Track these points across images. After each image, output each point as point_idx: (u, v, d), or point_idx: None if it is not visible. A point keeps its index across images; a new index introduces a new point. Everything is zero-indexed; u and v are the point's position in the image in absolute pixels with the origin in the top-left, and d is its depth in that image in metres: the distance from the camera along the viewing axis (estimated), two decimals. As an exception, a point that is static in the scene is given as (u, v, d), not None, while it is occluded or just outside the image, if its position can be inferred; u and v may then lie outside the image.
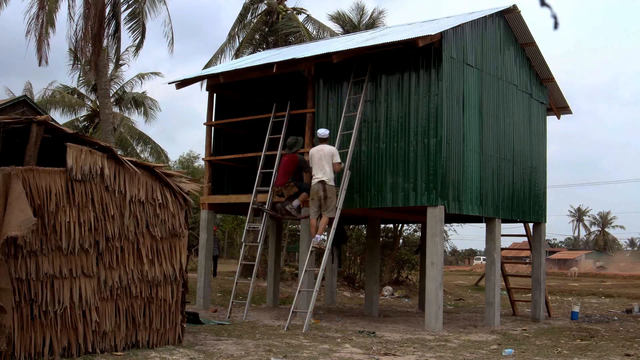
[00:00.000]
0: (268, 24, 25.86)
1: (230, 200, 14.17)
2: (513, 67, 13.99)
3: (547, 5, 2.81)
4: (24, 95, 23.30)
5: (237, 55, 24.64)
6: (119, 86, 33.18)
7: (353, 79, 12.64)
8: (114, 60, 25.52)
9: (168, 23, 22.19)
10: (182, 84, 14.80)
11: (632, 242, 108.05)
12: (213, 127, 14.98)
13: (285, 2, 26.14)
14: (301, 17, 25.80)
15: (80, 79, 31.42)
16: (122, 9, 21.08)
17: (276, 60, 13.08)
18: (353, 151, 12.19)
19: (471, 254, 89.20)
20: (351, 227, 21.86)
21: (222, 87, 14.88)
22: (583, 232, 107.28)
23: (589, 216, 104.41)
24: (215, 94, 15.10)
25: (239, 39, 25.68)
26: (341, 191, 11.90)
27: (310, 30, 25.51)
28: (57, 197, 7.22)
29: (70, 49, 19.86)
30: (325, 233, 11.72)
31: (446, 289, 21.73)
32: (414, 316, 14.69)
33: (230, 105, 15.61)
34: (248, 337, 9.64)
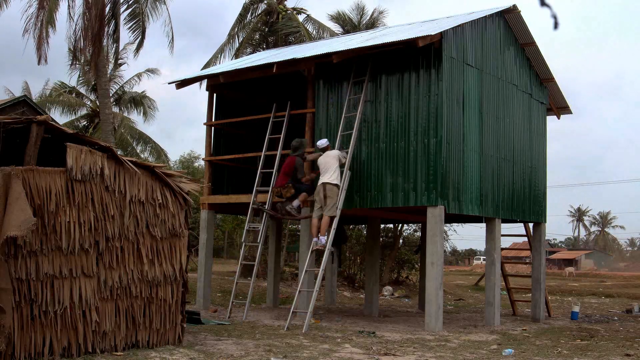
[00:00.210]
0: (268, 24, 25.85)
1: (230, 200, 14.17)
2: (513, 67, 13.99)
3: (547, 5, 2.81)
4: (24, 95, 23.29)
5: (237, 55, 24.63)
6: (119, 86, 33.18)
7: (353, 79, 12.64)
8: (113, 60, 25.52)
9: (168, 23, 22.21)
10: (182, 84, 14.81)
11: (632, 242, 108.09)
12: (213, 127, 14.98)
13: (285, 2, 26.13)
14: (301, 17, 25.79)
15: (80, 78, 31.42)
16: (122, 9, 21.10)
17: (276, 60, 13.08)
18: (353, 151, 12.20)
19: (471, 254, 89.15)
20: (351, 227, 21.86)
21: (222, 87, 14.88)
22: (583, 232, 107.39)
23: (589, 216, 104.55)
24: (215, 94, 15.11)
25: (238, 39, 25.66)
26: (341, 191, 11.91)
27: (310, 30, 25.50)
28: (57, 197, 7.22)
29: (69, 49, 19.85)
30: (326, 235, 11.70)
31: (446, 289, 21.73)
32: (414, 316, 14.69)
33: (230, 105, 15.61)
34: (248, 337, 9.64)
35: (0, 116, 7.67)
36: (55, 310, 7.13)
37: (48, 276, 7.11)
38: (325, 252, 11.62)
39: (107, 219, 7.66)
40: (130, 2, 21.26)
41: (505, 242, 51.28)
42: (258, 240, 13.23)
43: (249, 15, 26.21)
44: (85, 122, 32.61)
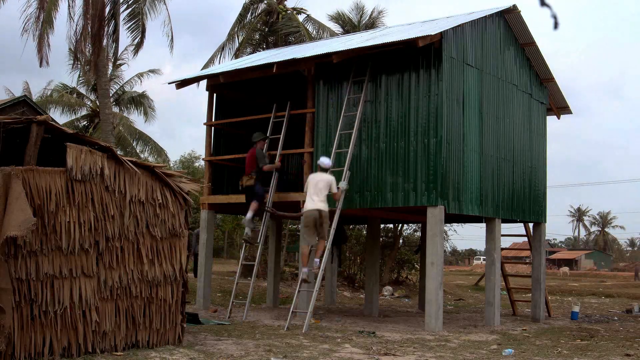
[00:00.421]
0: (268, 24, 25.86)
1: (230, 200, 14.17)
2: (513, 67, 13.99)
3: (547, 5, 2.81)
4: (24, 95, 23.31)
5: (237, 55, 24.63)
6: (119, 86, 33.19)
7: (353, 78, 12.63)
8: (113, 60, 25.51)
9: (168, 23, 22.21)
10: (182, 84, 14.80)
11: (632, 242, 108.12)
12: (213, 127, 14.98)
13: (285, 2, 26.14)
14: (301, 17, 25.80)
15: (80, 78, 31.43)
16: (122, 9, 21.10)
17: (276, 60, 13.08)
18: (353, 151, 12.19)
19: (471, 254, 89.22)
20: (351, 227, 21.85)
21: (222, 87, 14.87)
22: (583, 232, 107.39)
23: (589, 216, 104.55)
24: (215, 94, 15.10)
25: (238, 39, 25.67)
26: (343, 192, 11.91)
27: (310, 30, 25.50)
28: (57, 197, 7.22)
29: (70, 49, 19.86)
30: (320, 258, 11.52)
31: (446, 289, 21.72)
32: (414, 316, 14.69)
33: (230, 105, 15.60)
34: (248, 337, 9.64)
35: (0, 116, 7.67)
36: (55, 310, 7.12)
37: (48, 276, 7.10)
38: (325, 252, 11.59)
39: (107, 219, 7.66)
40: (130, 2, 21.28)
41: (505, 242, 51.34)
42: (258, 240, 13.22)
43: (249, 15, 26.21)
44: (85, 122, 32.63)
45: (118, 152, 8.15)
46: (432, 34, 11.38)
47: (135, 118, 34.38)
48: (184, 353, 7.80)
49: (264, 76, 13.73)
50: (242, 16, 26.04)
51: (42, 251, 7.08)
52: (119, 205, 7.78)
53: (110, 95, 25.66)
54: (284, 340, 9.47)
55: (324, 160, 11.80)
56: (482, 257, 68.80)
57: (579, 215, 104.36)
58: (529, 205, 14.49)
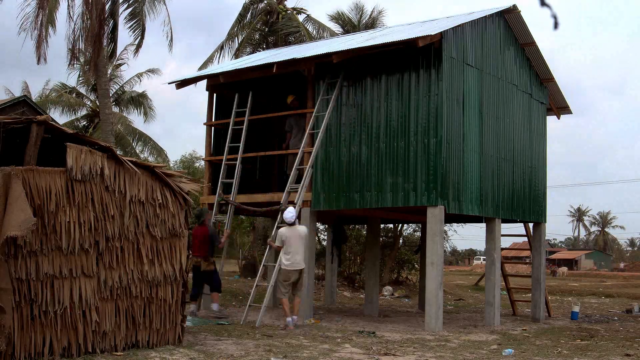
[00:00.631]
0: (268, 24, 25.84)
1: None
2: (513, 67, 13.99)
3: (547, 5, 2.81)
4: (24, 95, 23.28)
5: (237, 55, 24.63)
6: (119, 86, 33.18)
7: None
8: (112, 60, 25.48)
9: (168, 23, 22.21)
10: (182, 84, 14.81)
11: (632, 242, 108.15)
12: (213, 127, 14.97)
13: (285, 2, 26.12)
14: (301, 17, 25.79)
15: (80, 78, 31.41)
16: (122, 9, 21.09)
17: (276, 60, 13.08)
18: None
19: (471, 254, 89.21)
20: (351, 227, 21.85)
21: (222, 87, 14.87)
22: (583, 232, 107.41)
23: (589, 216, 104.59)
24: (215, 94, 15.10)
25: (238, 39, 25.66)
26: (301, 188, 12.32)
27: (310, 30, 25.49)
28: (57, 197, 7.22)
29: (69, 49, 19.84)
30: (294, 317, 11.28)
31: (446, 289, 21.72)
32: (414, 316, 14.69)
33: (230, 105, 15.58)
34: (248, 337, 9.64)
35: (0, 116, 7.67)
36: (55, 310, 7.12)
37: (48, 276, 7.11)
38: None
39: (107, 219, 7.66)
40: (130, 2, 21.27)
41: (505, 242, 51.37)
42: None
43: (248, 15, 26.20)
44: (85, 122, 32.59)
45: (118, 152, 8.14)
46: (432, 34, 11.38)
47: (135, 118, 34.34)
48: (184, 353, 7.80)
49: (264, 76, 13.73)
50: (242, 16, 26.03)
51: (42, 251, 7.08)
52: (119, 205, 7.78)
53: (110, 95, 25.65)
54: (284, 340, 9.47)
55: (289, 216, 11.30)
56: (482, 257, 68.79)
57: (579, 215, 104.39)
58: (529, 205, 14.49)
